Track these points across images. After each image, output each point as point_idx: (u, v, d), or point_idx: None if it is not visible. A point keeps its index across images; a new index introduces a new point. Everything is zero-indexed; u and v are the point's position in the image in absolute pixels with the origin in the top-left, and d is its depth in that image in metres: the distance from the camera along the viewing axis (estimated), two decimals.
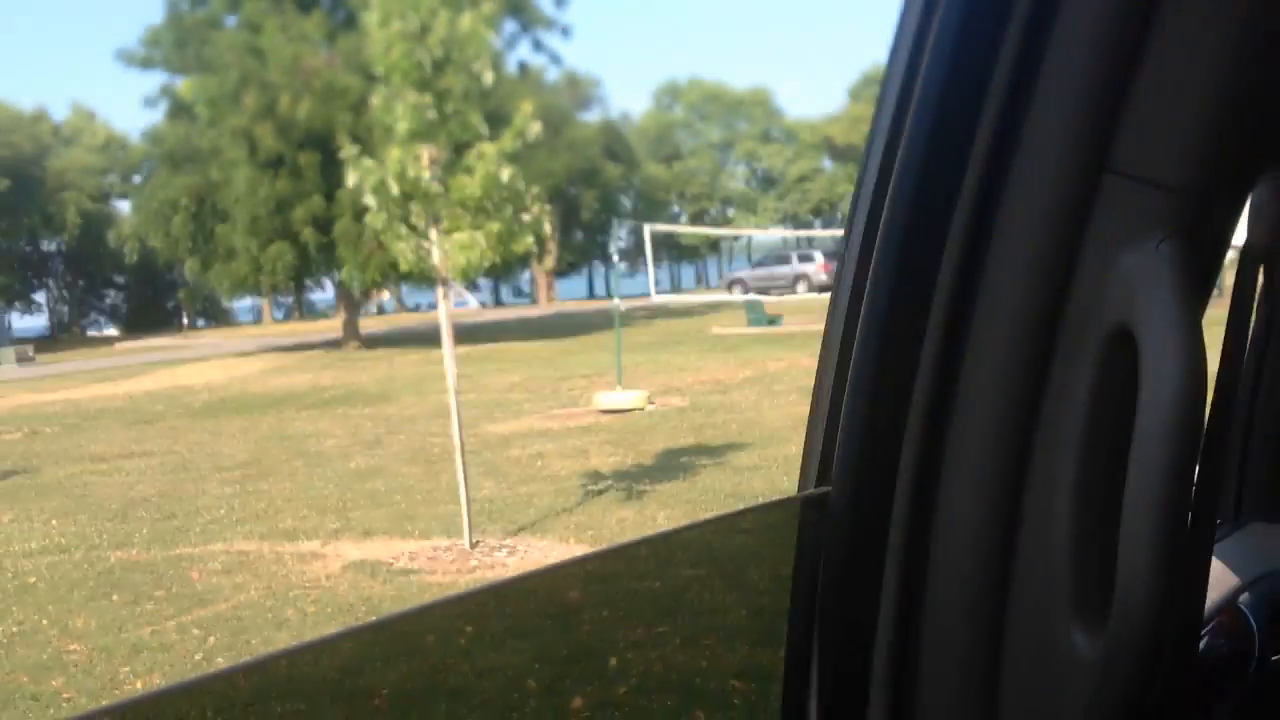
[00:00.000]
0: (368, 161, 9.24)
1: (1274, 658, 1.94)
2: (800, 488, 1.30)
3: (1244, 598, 1.96)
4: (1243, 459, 2.32)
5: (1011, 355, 1.16)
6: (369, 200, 9.25)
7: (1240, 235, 1.25)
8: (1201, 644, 1.81)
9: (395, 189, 9.00)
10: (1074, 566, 1.14)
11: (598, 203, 61.72)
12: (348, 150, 9.47)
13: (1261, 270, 1.97)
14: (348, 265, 31.04)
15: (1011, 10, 1.12)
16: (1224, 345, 1.20)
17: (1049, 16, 1.10)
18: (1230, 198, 1.14)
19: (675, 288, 75.40)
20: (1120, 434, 1.05)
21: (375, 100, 9.61)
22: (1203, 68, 1.05)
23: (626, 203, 68.33)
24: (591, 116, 69.56)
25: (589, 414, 16.95)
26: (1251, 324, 1.33)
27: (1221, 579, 2.00)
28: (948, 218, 1.18)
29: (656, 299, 45.52)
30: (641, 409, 16.75)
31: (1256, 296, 2.24)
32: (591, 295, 72.28)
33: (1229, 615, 1.92)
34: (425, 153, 8.95)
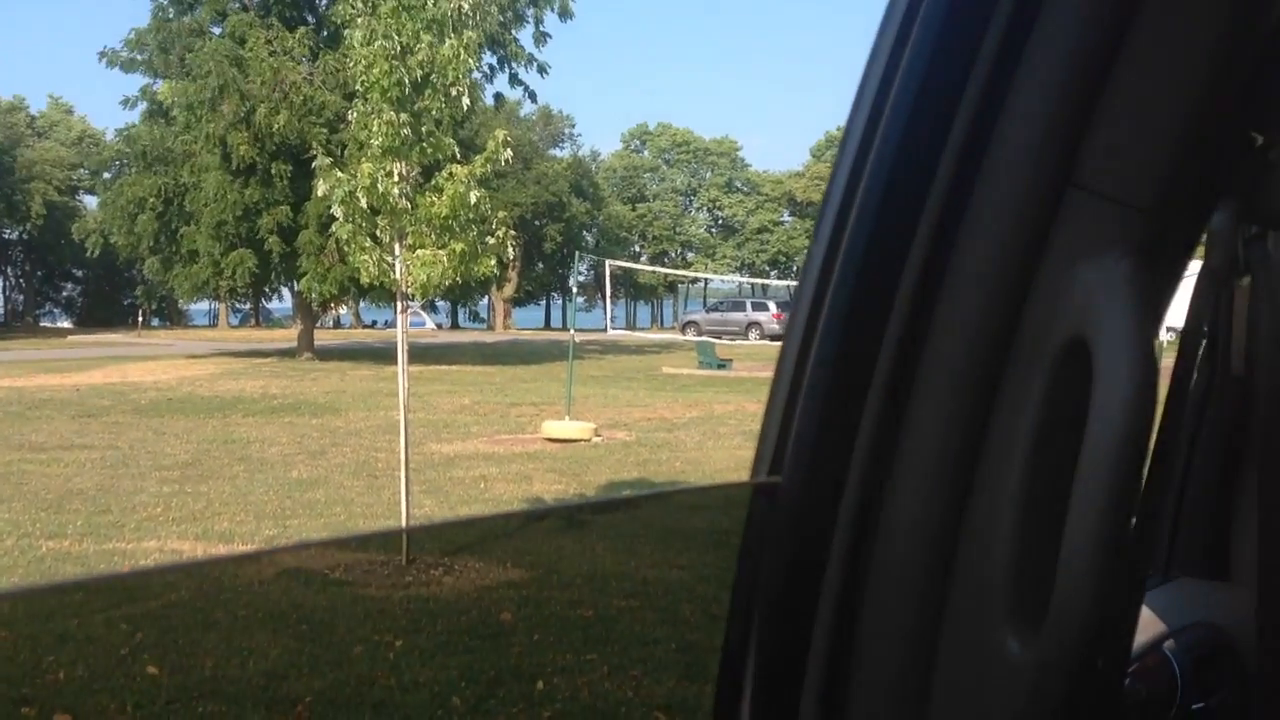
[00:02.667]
0: (339, 173, 9.24)
1: (1195, 706, 1.97)
2: (753, 476, 1.31)
3: (1169, 644, 2.00)
4: (1175, 516, 2.37)
5: (967, 362, 1.17)
6: (337, 211, 9.24)
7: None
8: (1125, 683, 1.83)
9: (364, 201, 9.00)
10: (1013, 572, 1.15)
11: (561, 236, 61.83)
12: (321, 160, 9.51)
13: (1204, 343, 2.01)
14: (308, 276, 30.88)
15: (988, 23, 1.14)
16: (1174, 368, 1.21)
17: (1023, 32, 1.12)
18: (1189, 220, 1.15)
19: (631, 325, 75.49)
20: (1069, 444, 1.05)
21: (352, 115, 9.61)
22: (1170, 90, 1.07)
23: (589, 238, 68.51)
24: (562, 153, 69.82)
25: (535, 441, 16.90)
26: (1193, 381, 1.34)
27: (1149, 625, 2.03)
28: (913, 221, 1.19)
29: (611, 334, 45.56)
30: (588, 440, 16.72)
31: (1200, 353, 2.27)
32: (548, 326, 72.18)
33: (1154, 659, 1.95)
34: (397, 169, 8.97)
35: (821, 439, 1.25)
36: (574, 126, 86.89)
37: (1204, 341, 2.30)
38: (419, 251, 9.31)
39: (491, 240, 10.23)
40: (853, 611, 1.27)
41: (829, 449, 1.24)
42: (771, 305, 48.15)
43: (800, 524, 1.26)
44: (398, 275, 9.32)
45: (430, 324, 61.44)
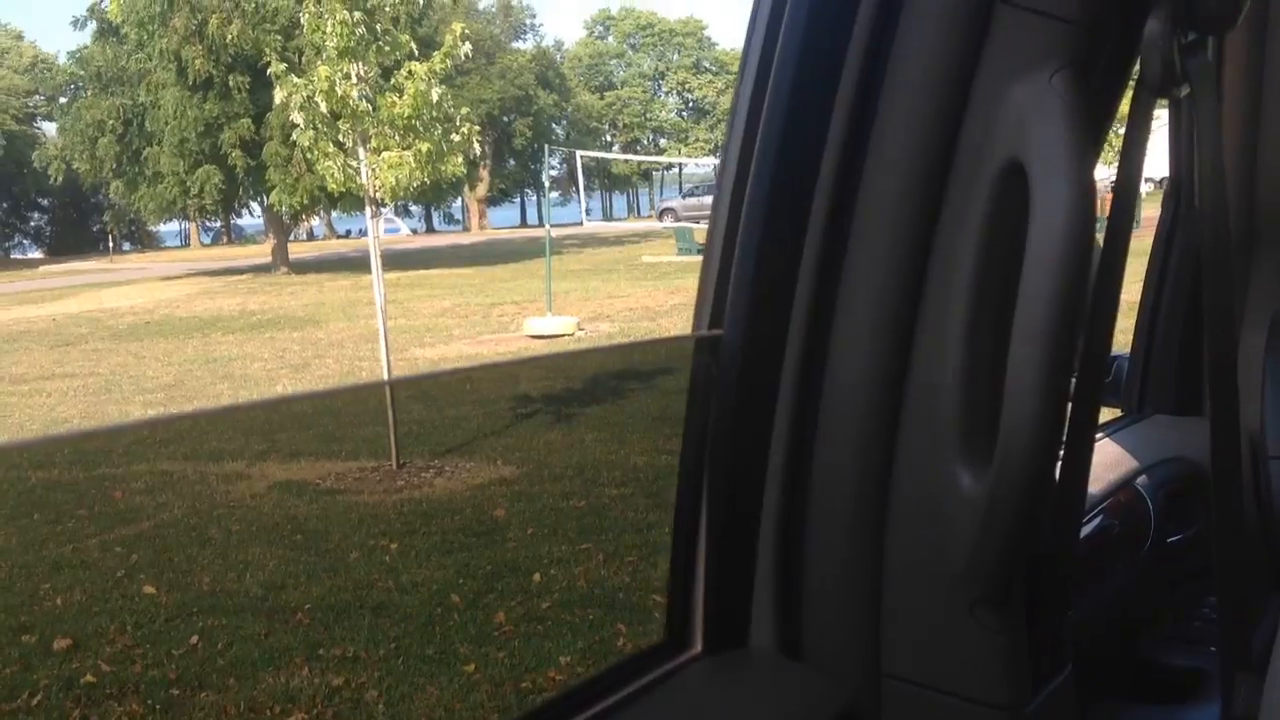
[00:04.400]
0: (296, 78, 9.07)
1: (1170, 539, 2.00)
2: (694, 330, 1.29)
3: (1141, 480, 2.02)
4: (1147, 356, 2.38)
5: (905, 191, 1.15)
6: (296, 118, 9.09)
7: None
8: (1100, 520, 1.85)
9: (323, 106, 8.87)
10: (962, 405, 1.14)
11: (530, 130, 61.05)
12: (276, 67, 9.32)
13: (1178, 195, 1.97)
14: (276, 188, 30.52)
15: None
16: (1114, 186, 1.19)
17: None
18: (1121, 31, 1.12)
19: (607, 216, 75.05)
20: (1011, 268, 1.04)
21: (305, 17, 9.42)
22: None
23: (559, 131, 67.68)
24: (525, 45, 68.65)
25: (519, 339, 16.87)
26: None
27: (1122, 462, 2.05)
28: (842, 50, 1.15)
29: (588, 227, 45.29)
30: (571, 335, 16.71)
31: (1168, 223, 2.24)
32: (524, 223, 71.68)
33: (1127, 495, 1.97)
34: (354, 70, 8.81)
35: (761, 287, 1.22)
36: (534, 17, 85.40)
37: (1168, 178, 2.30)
38: (384, 154, 9.20)
39: (457, 138, 10.10)
40: (804, 455, 1.26)
41: (769, 297, 1.22)
42: None
43: (745, 374, 1.24)
44: (365, 180, 9.21)
45: (405, 229, 60.96)
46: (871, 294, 1.18)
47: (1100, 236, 1.17)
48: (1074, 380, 1.20)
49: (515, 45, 67.94)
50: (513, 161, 64.49)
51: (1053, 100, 1.03)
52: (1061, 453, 1.21)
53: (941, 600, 1.23)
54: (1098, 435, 2.22)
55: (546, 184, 32.46)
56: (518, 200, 76.54)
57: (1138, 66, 1.12)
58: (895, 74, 1.13)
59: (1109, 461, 2.05)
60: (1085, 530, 1.80)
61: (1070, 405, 1.21)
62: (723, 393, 1.26)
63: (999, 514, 1.08)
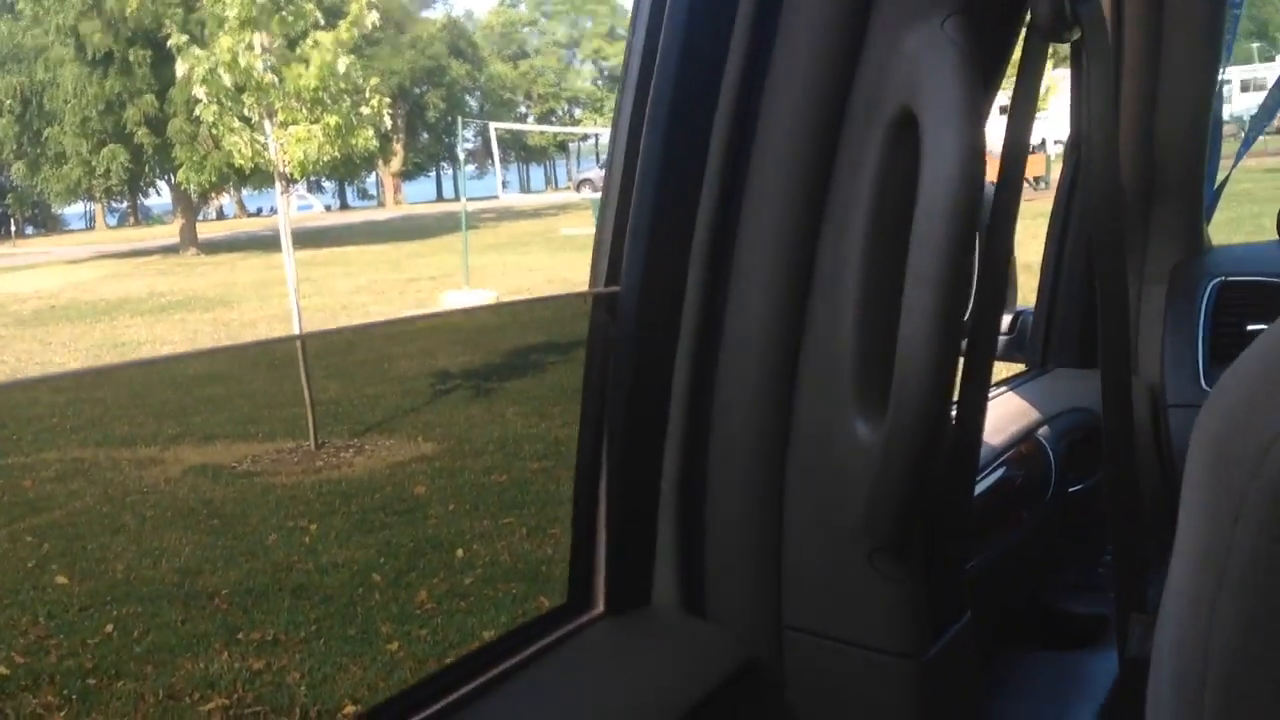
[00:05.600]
0: (197, 50, 8.85)
1: (1072, 489, 2.04)
2: (591, 287, 1.30)
3: (1043, 431, 2.06)
4: (1050, 311, 2.42)
5: (799, 142, 1.14)
6: (199, 92, 8.88)
7: None
8: (1001, 471, 1.88)
9: (226, 79, 8.66)
10: (857, 357, 1.15)
11: (444, 103, 60.38)
12: (176, 39, 9.07)
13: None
14: (183, 166, 29.85)
15: None
16: (1005, 134, 1.20)
17: None
18: None
19: (525, 189, 74.58)
20: (905, 218, 1.04)
21: None
22: None
23: (473, 103, 67.05)
24: (435, 15, 67.77)
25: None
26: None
27: (1024, 414, 2.09)
28: (731, 3, 1.15)
29: (505, 200, 44.95)
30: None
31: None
32: (440, 198, 70.97)
33: (1029, 446, 2.00)
34: (258, 40, 8.62)
35: (656, 242, 1.22)
36: None
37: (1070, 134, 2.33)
38: (291, 128, 9.02)
39: (367, 110, 9.95)
40: (703, 412, 1.26)
41: (665, 254, 1.22)
42: None
43: (642, 330, 1.24)
44: (273, 155, 9.04)
45: (318, 206, 60.08)
46: (767, 247, 1.18)
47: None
48: (968, 331, 1.21)
49: (425, 15, 67.11)
50: (426, 135, 63.73)
51: (944, 47, 1.02)
52: (956, 402, 1.22)
53: (841, 551, 1.24)
54: (1002, 390, 2.25)
55: (461, 157, 32.16)
56: (433, 174, 75.78)
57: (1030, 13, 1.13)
58: (788, 23, 1.12)
59: (1012, 414, 2.08)
60: (987, 481, 1.82)
61: (964, 356, 1.22)
62: (620, 349, 1.26)
63: (894, 462, 1.09)
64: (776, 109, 1.14)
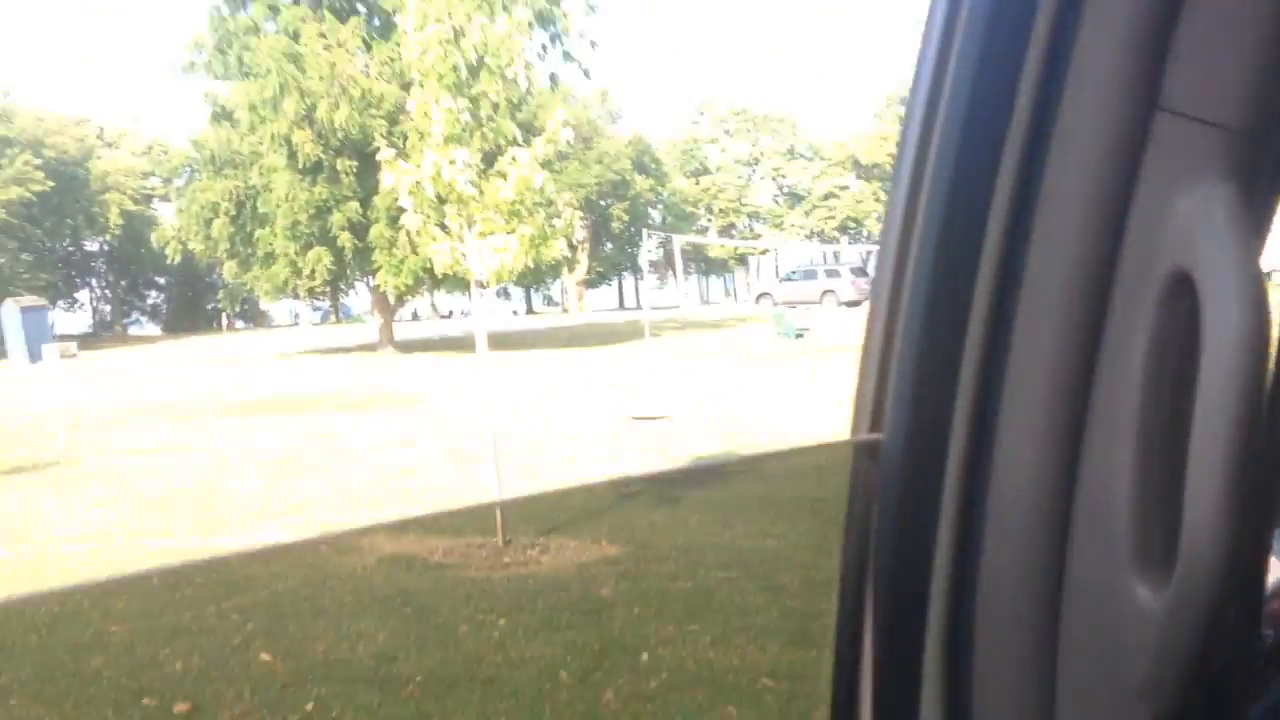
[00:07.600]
0: (404, 164, 9.30)
1: None
2: (853, 435, 1.28)
3: None
4: None
5: (1067, 302, 1.12)
6: (405, 202, 9.31)
7: None
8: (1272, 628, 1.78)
9: (431, 191, 9.06)
10: (1136, 517, 1.10)
11: (627, 214, 61.73)
12: (384, 153, 9.56)
13: None
14: (383, 269, 31.16)
15: None
16: None
17: None
18: None
19: (704, 299, 75.16)
20: (1182, 380, 1.02)
21: (411, 104, 9.68)
22: (1253, 2, 1.02)
23: (656, 215, 68.32)
24: (620, 131, 69.53)
25: (621, 419, 16.93)
26: None
27: (1277, 568, 1.98)
28: (995, 160, 1.15)
29: (685, 311, 45.40)
30: (670, 417, 16.72)
31: None
32: (621, 305, 72.11)
33: None
34: (460, 156, 9.00)
35: (921, 391, 1.21)
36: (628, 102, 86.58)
37: None
38: (489, 238, 9.35)
39: (560, 222, 10.26)
40: (969, 566, 1.23)
41: (930, 401, 1.21)
42: (844, 271, 47.71)
43: (907, 479, 1.23)
44: (471, 263, 9.37)
45: (505, 310, 61.72)
46: (1036, 395, 1.16)
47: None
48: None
49: (612, 130, 68.95)
50: (610, 245, 65.16)
51: (1217, 210, 1.01)
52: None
53: (1117, 716, 1.18)
54: None
55: (645, 267, 32.68)
56: (614, 282, 77.12)
57: None
58: (1051, 184, 1.12)
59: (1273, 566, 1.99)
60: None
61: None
62: (883, 499, 1.25)
63: (1180, 631, 1.05)
64: (1045, 269, 1.14)
